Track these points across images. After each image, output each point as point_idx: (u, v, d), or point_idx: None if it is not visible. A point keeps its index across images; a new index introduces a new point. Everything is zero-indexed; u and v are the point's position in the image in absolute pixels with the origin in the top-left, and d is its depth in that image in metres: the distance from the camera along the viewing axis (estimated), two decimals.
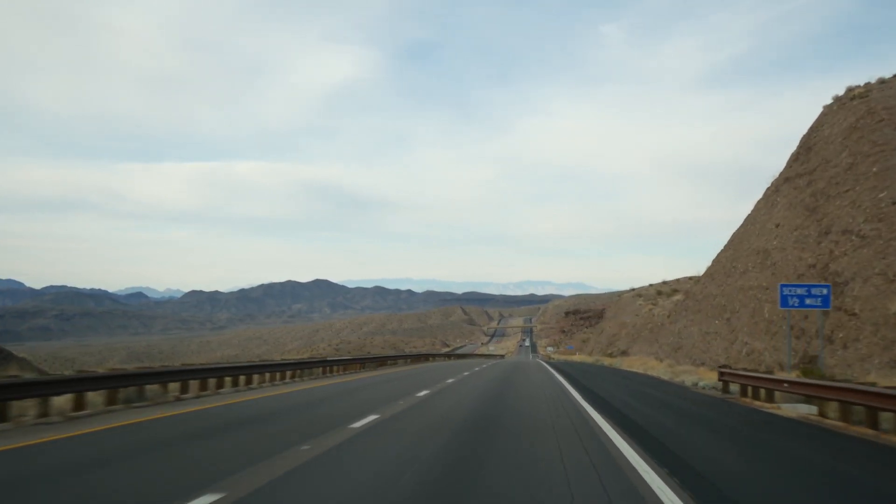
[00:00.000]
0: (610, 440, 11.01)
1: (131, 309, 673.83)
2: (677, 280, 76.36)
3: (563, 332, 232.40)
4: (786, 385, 17.50)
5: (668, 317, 39.92)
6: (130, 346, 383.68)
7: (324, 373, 32.33)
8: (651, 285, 77.31)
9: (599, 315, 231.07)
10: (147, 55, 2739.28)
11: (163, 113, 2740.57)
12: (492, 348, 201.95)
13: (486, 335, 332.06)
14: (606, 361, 47.38)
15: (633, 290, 78.34)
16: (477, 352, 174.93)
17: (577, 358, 69.94)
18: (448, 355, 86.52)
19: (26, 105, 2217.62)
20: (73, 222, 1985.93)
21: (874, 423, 13.07)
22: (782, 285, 23.00)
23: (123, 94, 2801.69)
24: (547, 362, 71.91)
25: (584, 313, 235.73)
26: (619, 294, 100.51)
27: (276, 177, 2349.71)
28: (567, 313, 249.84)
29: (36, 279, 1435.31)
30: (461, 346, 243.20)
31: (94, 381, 14.59)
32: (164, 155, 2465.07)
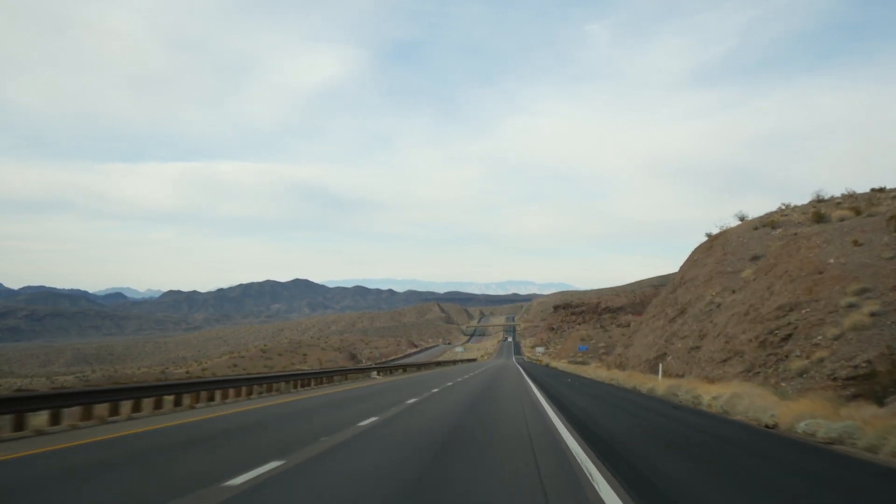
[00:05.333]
0: None
1: (106, 309, 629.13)
2: (851, 194, 32.70)
3: (552, 329, 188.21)
4: None
5: None
6: (80, 348, 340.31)
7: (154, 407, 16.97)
8: (786, 206, 33.78)
9: (595, 309, 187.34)
10: (130, 54, 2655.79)
11: (145, 112, 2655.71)
12: (459, 349, 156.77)
13: (465, 334, 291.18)
14: None
15: (744, 219, 34.22)
16: (441, 357, 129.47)
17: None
18: (386, 367, 47.08)
19: (7, 103, 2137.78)
20: (55, 223, 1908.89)
21: None
22: None
23: (106, 93, 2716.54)
24: (540, 384, 30.11)
25: (577, 307, 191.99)
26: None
27: (259, 176, 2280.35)
28: (556, 308, 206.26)
29: (14, 280, 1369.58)
30: (432, 347, 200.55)
31: None
32: (147, 155, 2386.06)
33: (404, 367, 61.68)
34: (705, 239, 36.90)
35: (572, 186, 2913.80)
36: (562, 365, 74.64)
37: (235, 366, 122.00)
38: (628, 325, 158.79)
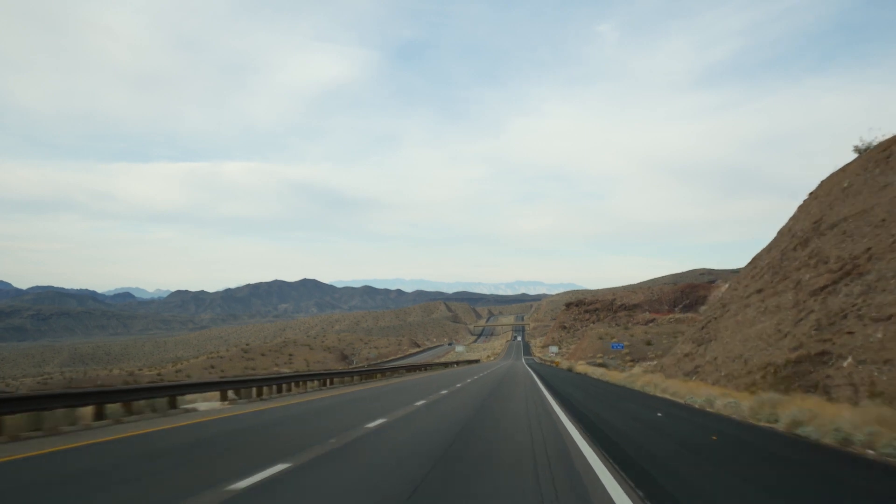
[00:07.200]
0: None
1: (113, 309, 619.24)
2: None
3: (564, 327, 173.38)
4: None
5: None
6: (79, 348, 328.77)
7: None
8: None
9: (609, 306, 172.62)
10: (134, 54, 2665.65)
11: (150, 112, 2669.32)
12: (460, 349, 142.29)
13: (472, 334, 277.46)
14: None
15: None
16: (443, 358, 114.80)
17: None
18: (269, 380, 22.98)
19: (12, 104, 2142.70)
20: (62, 223, 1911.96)
21: None
22: None
23: (111, 93, 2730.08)
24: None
25: (590, 305, 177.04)
26: None
27: (265, 177, 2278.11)
28: (568, 305, 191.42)
29: (23, 280, 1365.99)
30: (436, 346, 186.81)
31: None
32: (152, 155, 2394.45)
33: (326, 379, 30.96)
34: (855, 156, 22.18)
35: (578, 188, 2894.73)
36: (595, 372, 48.70)
37: (213, 367, 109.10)
38: (647, 324, 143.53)
